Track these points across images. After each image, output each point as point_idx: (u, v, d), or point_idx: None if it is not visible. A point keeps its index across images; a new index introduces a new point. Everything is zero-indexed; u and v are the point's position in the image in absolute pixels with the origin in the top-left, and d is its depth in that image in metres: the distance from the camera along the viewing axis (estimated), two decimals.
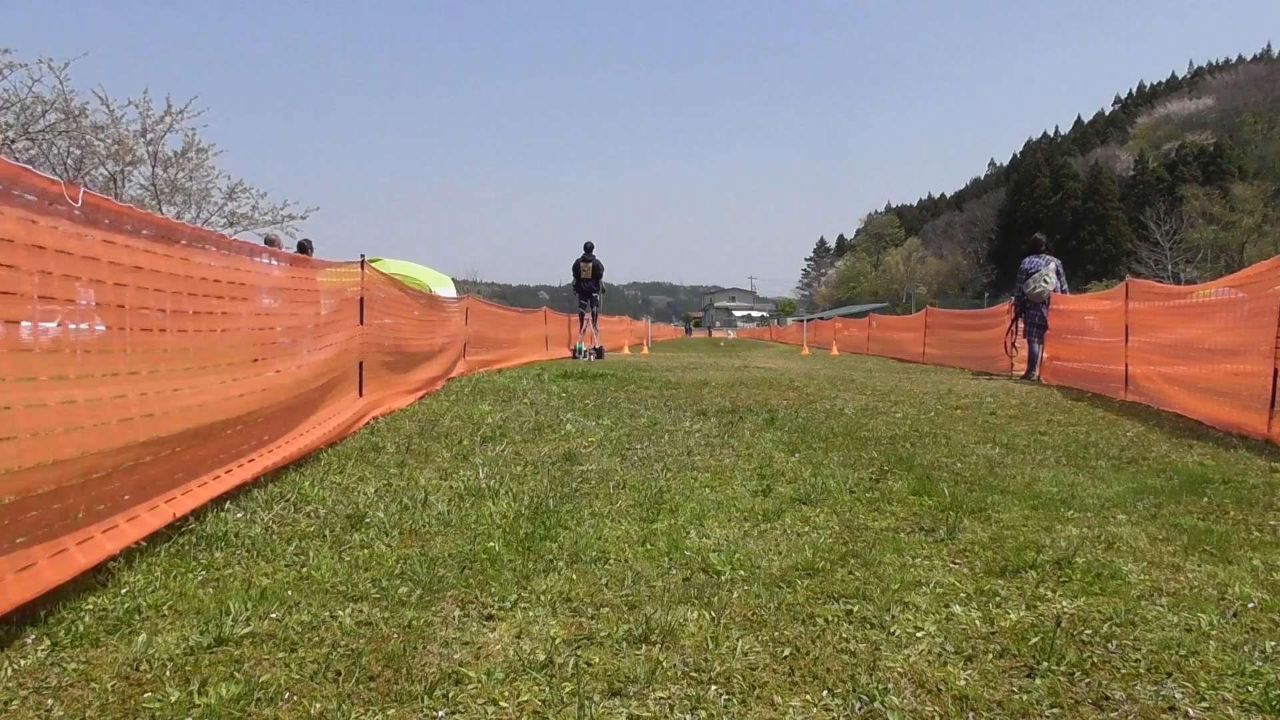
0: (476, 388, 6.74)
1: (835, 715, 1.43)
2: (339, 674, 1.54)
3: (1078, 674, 1.57)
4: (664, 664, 1.59)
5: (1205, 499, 3.03)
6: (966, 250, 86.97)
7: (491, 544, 2.36)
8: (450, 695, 1.47)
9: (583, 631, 1.76)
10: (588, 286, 12.53)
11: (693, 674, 1.56)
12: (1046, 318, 8.61)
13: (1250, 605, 1.93)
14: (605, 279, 12.94)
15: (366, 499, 2.86)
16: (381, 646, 1.66)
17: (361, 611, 1.85)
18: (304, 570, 2.12)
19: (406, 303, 6.01)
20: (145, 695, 1.45)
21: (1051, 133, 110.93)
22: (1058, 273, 8.72)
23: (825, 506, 2.88)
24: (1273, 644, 1.70)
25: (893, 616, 1.85)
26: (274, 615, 1.80)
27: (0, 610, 1.62)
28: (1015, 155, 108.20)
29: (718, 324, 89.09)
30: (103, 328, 2.22)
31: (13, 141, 12.39)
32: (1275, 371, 4.29)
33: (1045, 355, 8.63)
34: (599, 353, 12.78)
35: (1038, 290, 8.60)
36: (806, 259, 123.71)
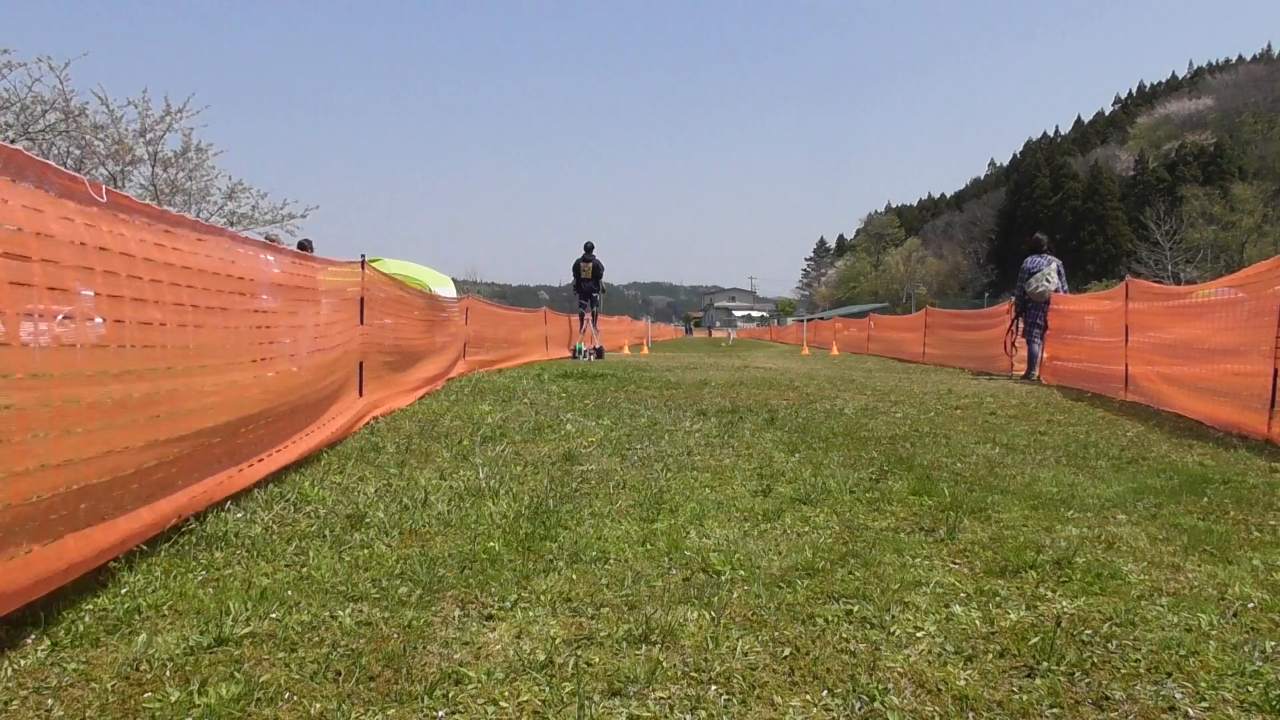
0: (476, 388, 6.74)
1: (835, 715, 1.43)
2: (339, 674, 1.54)
3: (1078, 674, 1.57)
4: (664, 664, 1.59)
5: (1205, 499, 3.03)
6: (966, 250, 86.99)
7: (491, 544, 2.36)
8: (450, 695, 1.47)
9: (583, 631, 1.76)
10: (588, 286, 12.53)
11: (693, 674, 1.56)
12: (1047, 318, 8.62)
13: (1250, 605, 1.93)
14: (605, 279, 12.95)
15: (366, 499, 2.86)
16: (381, 646, 1.66)
17: (361, 611, 1.85)
18: (304, 570, 2.12)
19: (406, 302, 6.01)
20: (145, 695, 1.45)
21: (1051, 133, 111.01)
22: (1059, 273, 8.73)
23: (825, 506, 2.88)
24: (1273, 644, 1.70)
25: (893, 616, 1.85)
26: (274, 615, 1.80)
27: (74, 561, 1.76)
28: (1015, 155, 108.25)
29: (718, 324, 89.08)
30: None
31: (13, 141, 12.39)
32: (1275, 371, 4.29)
33: (1045, 355, 8.64)
34: (599, 353, 12.78)
35: (1040, 290, 8.61)
36: (806, 259, 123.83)
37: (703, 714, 1.42)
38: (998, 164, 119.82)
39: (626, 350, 18.05)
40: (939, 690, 1.51)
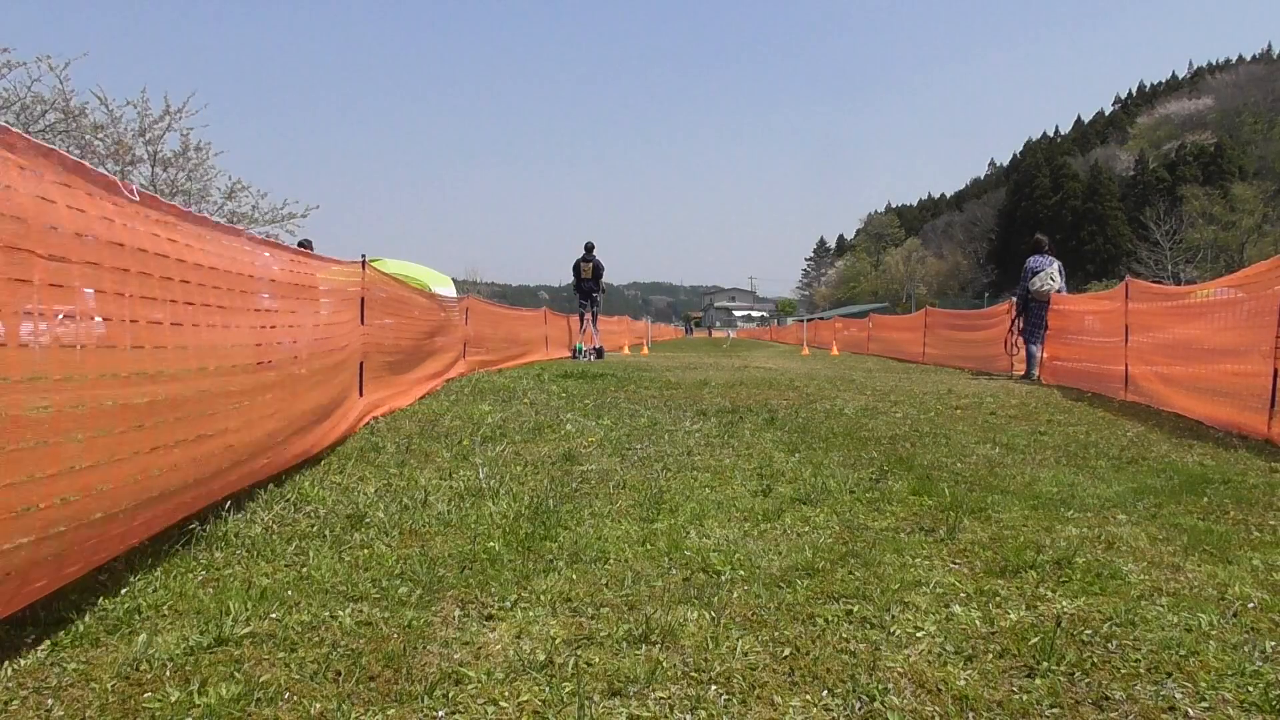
0: (476, 388, 6.73)
1: (835, 715, 1.43)
2: (339, 674, 1.54)
3: (1078, 674, 1.57)
4: (664, 664, 1.59)
5: (1205, 499, 3.03)
6: (966, 250, 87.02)
7: (491, 544, 2.36)
8: (450, 695, 1.47)
9: (583, 631, 1.76)
10: (588, 286, 12.53)
11: (693, 674, 1.56)
12: (1047, 318, 8.66)
13: (1250, 605, 1.93)
14: (605, 279, 12.94)
15: (366, 499, 2.86)
16: (381, 646, 1.66)
17: (361, 611, 1.85)
18: (304, 570, 2.12)
19: (406, 302, 6.01)
20: (145, 695, 1.45)
21: (1051, 133, 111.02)
22: (1060, 273, 8.82)
23: (825, 506, 2.88)
24: (1273, 644, 1.70)
25: (893, 616, 1.85)
26: (274, 615, 1.80)
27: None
28: (1015, 155, 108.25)
29: (718, 324, 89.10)
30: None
31: None
32: (1275, 371, 4.29)
33: (1045, 355, 8.67)
34: (599, 353, 12.78)
35: (1044, 289, 8.68)
36: (806, 259, 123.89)
37: (703, 714, 1.42)
38: (998, 164, 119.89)
39: (626, 350, 18.05)
40: (939, 690, 1.51)
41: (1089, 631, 1.77)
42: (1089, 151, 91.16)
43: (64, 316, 1.69)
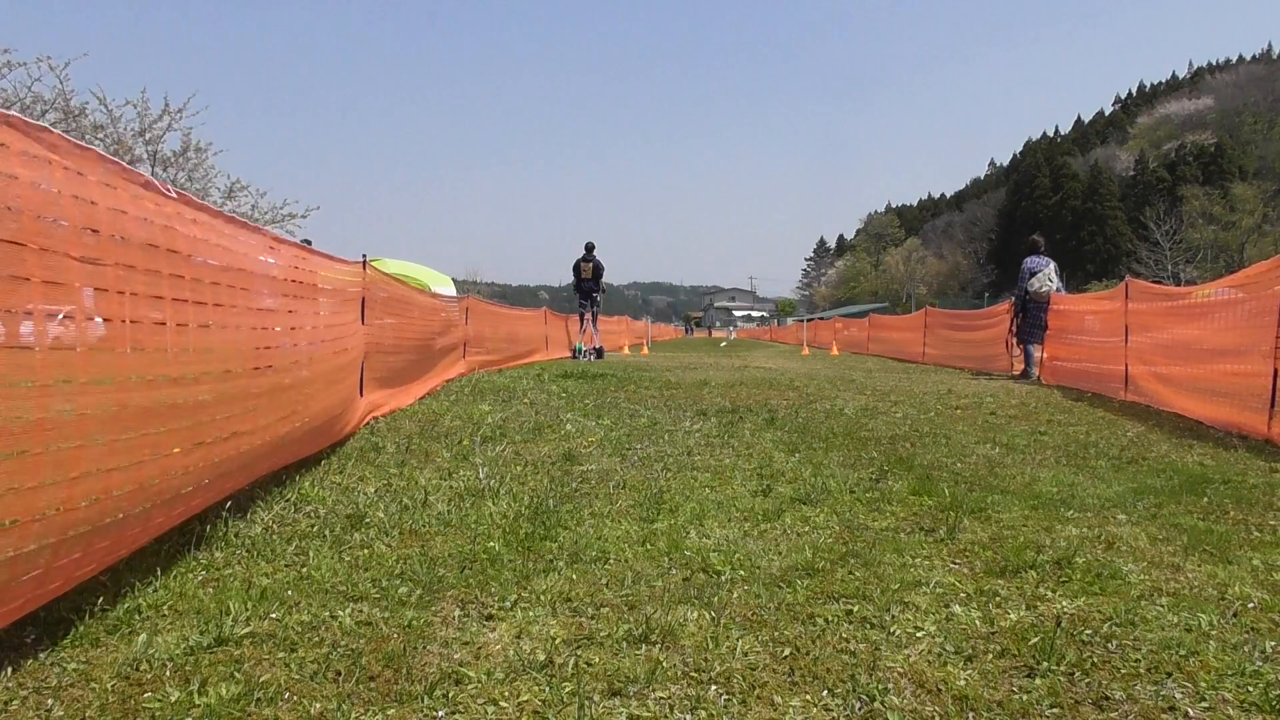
0: (476, 388, 6.73)
1: (835, 715, 1.43)
2: (339, 674, 1.54)
3: (1078, 674, 1.57)
4: (664, 664, 1.59)
5: (1205, 499, 3.03)
6: (966, 250, 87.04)
7: (491, 544, 2.36)
8: (450, 695, 1.47)
9: (583, 631, 1.76)
10: (588, 286, 12.53)
11: (693, 674, 1.56)
12: (1047, 318, 8.71)
13: (1250, 605, 1.93)
14: (605, 279, 12.94)
15: (366, 499, 2.86)
16: (381, 646, 1.66)
17: (361, 611, 1.85)
18: (304, 570, 2.12)
19: (406, 302, 6.01)
20: (145, 695, 1.45)
21: (1051, 133, 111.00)
22: (1057, 273, 8.90)
23: (825, 506, 2.88)
24: (1273, 644, 1.70)
25: (893, 616, 1.85)
26: (274, 615, 1.80)
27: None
28: (1015, 155, 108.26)
29: (718, 324, 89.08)
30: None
31: None
32: (1275, 371, 4.29)
33: (1044, 355, 8.71)
34: (599, 353, 12.77)
35: (1042, 289, 8.74)
36: (806, 259, 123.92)
37: (703, 714, 1.42)
38: (998, 164, 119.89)
39: (626, 350, 18.04)
40: (939, 690, 1.51)
41: (1089, 631, 1.77)
42: (1089, 151, 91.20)
43: (101, 319, 1.69)
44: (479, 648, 1.68)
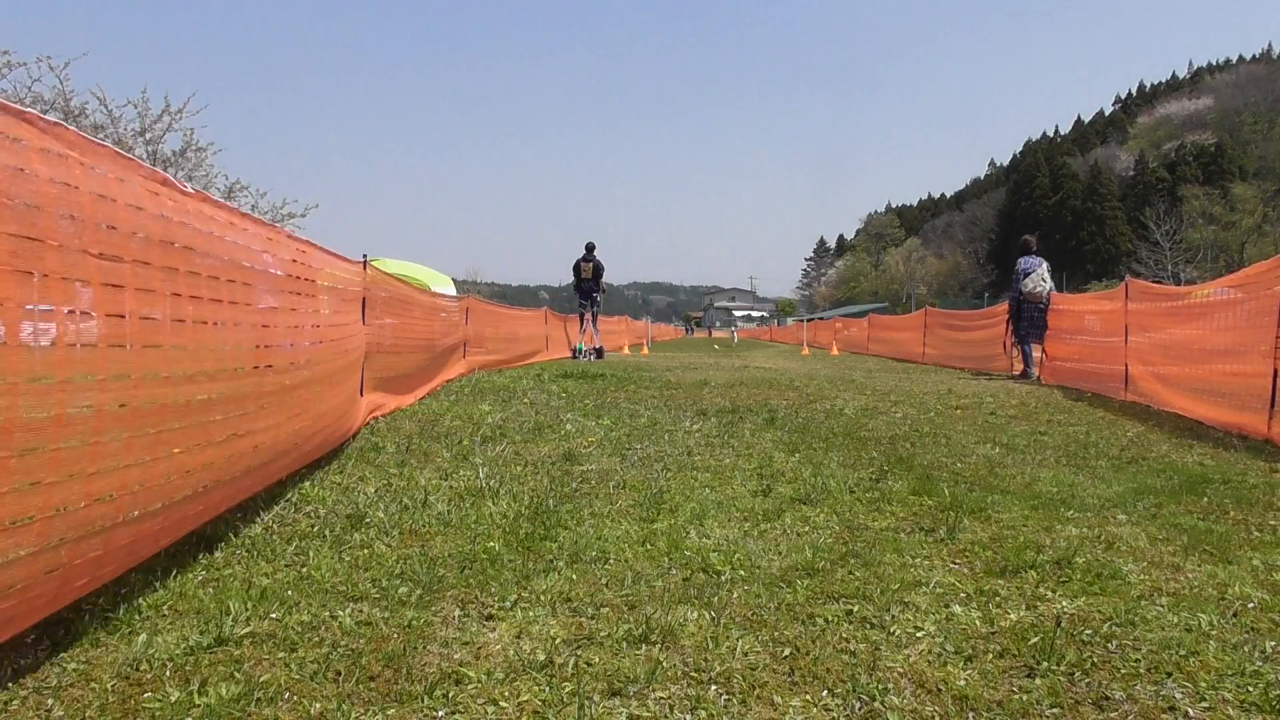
0: (476, 388, 6.73)
1: (835, 715, 1.43)
2: (339, 674, 1.54)
3: (1078, 674, 1.57)
4: (664, 664, 1.59)
5: (1205, 499, 3.03)
6: (966, 250, 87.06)
7: (491, 544, 2.36)
8: (450, 695, 1.47)
9: (583, 631, 1.76)
10: (588, 286, 12.53)
11: (693, 674, 1.56)
12: (1046, 318, 8.74)
13: (1250, 605, 1.93)
14: (605, 279, 12.94)
15: (366, 499, 2.86)
16: (381, 646, 1.66)
17: (361, 611, 1.85)
18: (304, 570, 2.12)
19: (406, 301, 6.01)
20: (145, 695, 1.45)
21: (1051, 133, 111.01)
22: (1050, 273, 8.98)
23: (825, 506, 2.88)
24: (1273, 644, 1.70)
25: (893, 616, 1.85)
26: (274, 615, 1.80)
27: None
28: (1015, 155, 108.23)
29: (718, 324, 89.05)
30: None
31: None
32: (1275, 371, 4.29)
33: (1044, 355, 8.73)
34: (599, 353, 12.77)
35: (1036, 290, 8.77)
36: (806, 259, 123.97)
37: (703, 714, 1.42)
38: (998, 164, 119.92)
39: (626, 350, 18.04)
40: (939, 690, 1.51)
41: (1089, 631, 1.77)
42: (1089, 151, 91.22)
43: (126, 315, 1.69)
44: (479, 648, 1.68)
